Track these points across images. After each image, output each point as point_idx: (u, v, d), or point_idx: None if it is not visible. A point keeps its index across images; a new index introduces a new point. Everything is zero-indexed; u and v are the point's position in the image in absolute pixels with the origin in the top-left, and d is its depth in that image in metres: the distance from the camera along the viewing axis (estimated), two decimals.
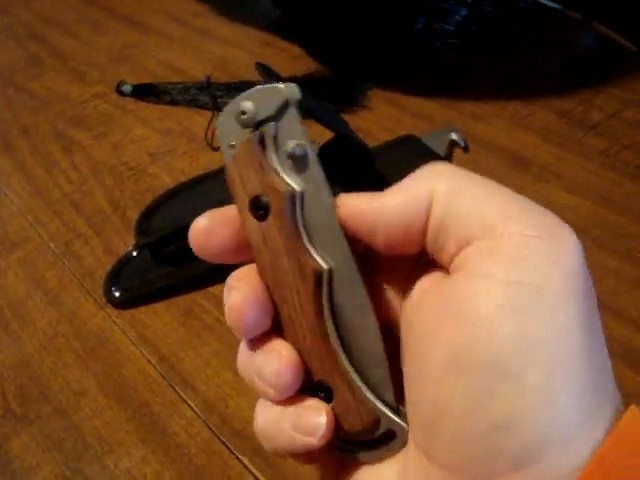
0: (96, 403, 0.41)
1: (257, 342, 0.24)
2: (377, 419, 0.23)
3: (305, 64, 0.78)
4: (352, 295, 0.23)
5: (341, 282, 0.23)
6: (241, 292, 0.23)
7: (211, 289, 0.49)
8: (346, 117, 0.63)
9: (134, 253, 0.51)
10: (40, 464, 0.38)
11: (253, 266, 0.24)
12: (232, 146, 0.24)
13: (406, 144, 0.60)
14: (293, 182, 0.23)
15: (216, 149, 0.64)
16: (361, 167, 0.52)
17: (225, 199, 0.50)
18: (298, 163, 0.23)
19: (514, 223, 0.20)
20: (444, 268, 0.22)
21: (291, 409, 0.24)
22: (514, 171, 0.61)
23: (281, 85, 0.23)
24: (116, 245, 0.53)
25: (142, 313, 0.47)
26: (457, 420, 0.19)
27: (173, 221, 0.50)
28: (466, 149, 0.61)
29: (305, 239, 0.23)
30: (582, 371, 0.19)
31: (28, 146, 0.65)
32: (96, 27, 0.91)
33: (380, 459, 0.24)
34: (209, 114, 0.69)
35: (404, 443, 0.23)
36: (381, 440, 0.24)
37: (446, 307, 0.20)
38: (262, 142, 0.23)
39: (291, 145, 0.23)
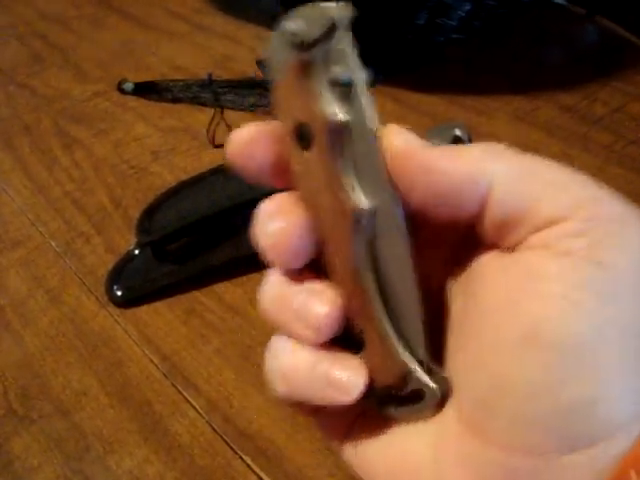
0: (98, 403, 0.41)
1: (298, 278, 0.23)
2: (406, 375, 0.22)
3: None
4: (394, 242, 0.21)
5: (383, 226, 0.21)
6: (285, 217, 0.22)
7: (213, 287, 0.49)
8: None
9: (136, 251, 0.51)
10: (41, 464, 0.38)
11: (292, 195, 0.23)
12: (280, 69, 0.22)
13: None
14: (339, 111, 0.21)
15: (218, 146, 0.64)
16: None
17: (227, 196, 0.50)
18: (345, 91, 0.21)
19: (601, 207, 0.19)
20: (500, 246, 0.21)
21: (327, 360, 0.22)
22: None
23: (332, 4, 0.21)
24: (118, 244, 0.53)
25: (144, 312, 0.47)
26: (523, 399, 0.18)
27: (175, 219, 0.49)
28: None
29: (348, 174, 0.21)
30: None
31: (29, 144, 0.65)
32: (98, 24, 0.90)
33: (407, 419, 0.23)
34: (211, 111, 0.68)
35: (435, 407, 0.22)
36: (410, 399, 0.22)
37: (524, 282, 0.19)
38: (309, 66, 0.21)
39: (338, 71, 0.21)
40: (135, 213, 0.53)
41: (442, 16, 0.66)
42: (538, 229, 0.20)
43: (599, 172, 0.59)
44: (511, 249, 0.20)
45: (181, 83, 0.72)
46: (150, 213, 0.51)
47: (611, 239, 0.19)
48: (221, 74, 0.73)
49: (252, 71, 0.56)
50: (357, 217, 0.21)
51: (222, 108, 0.69)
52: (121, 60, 0.81)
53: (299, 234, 0.22)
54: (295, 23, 0.22)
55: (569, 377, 0.18)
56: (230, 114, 0.69)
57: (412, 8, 0.65)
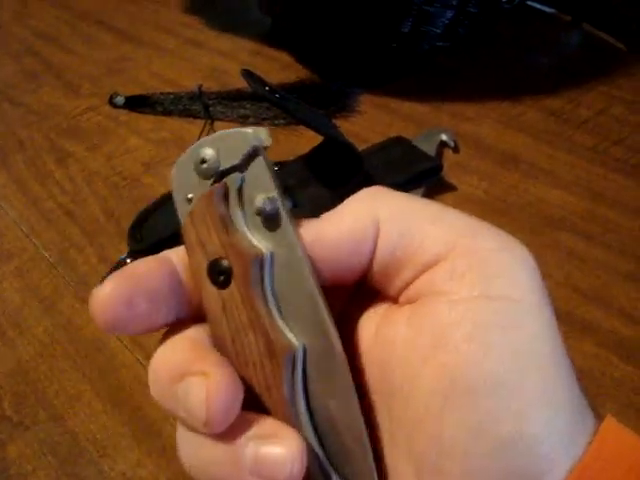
0: (91, 408, 0.42)
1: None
2: None
3: (295, 72, 0.79)
4: (331, 378, 0.19)
5: (318, 362, 0.19)
6: (207, 378, 0.19)
7: None
8: (337, 122, 0.64)
9: (128, 260, 0.51)
10: (36, 469, 0.38)
11: (202, 338, 0.21)
12: (189, 200, 0.21)
13: (396, 146, 0.61)
14: (261, 243, 0.20)
15: None
16: (350, 169, 0.52)
17: None
18: (268, 220, 0.20)
19: (477, 240, 0.20)
20: (388, 297, 0.21)
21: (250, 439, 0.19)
22: (504, 169, 0.62)
23: (248, 130, 0.20)
24: (110, 253, 0.53)
25: None
26: (465, 449, 0.18)
27: (165, 227, 0.50)
28: (456, 149, 0.62)
29: (274, 311, 0.20)
30: (569, 381, 0.19)
31: (23, 159, 0.66)
32: (89, 41, 0.92)
33: None
34: (201, 123, 0.69)
35: None
36: None
37: (427, 338, 0.19)
38: (225, 195, 0.20)
39: (259, 199, 0.20)
40: (127, 223, 0.54)
41: (426, 24, 0.67)
42: (422, 270, 0.20)
43: (584, 173, 0.60)
44: (407, 299, 0.20)
45: (171, 96, 0.73)
46: (141, 222, 0.51)
47: (495, 271, 0.19)
48: (211, 87, 0.74)
49: (241, 83, 0.57)
50: (289, 357, 0.19)
51: (212, 119, 0.70)
52: (113, 75, 0.82)
53: (227, 393, 0.19)
54: (207, 150, 0.20)
55: (501, 415, 0.18)
56: (220, 125, 0.70)
57: (396, 17, 0.67)
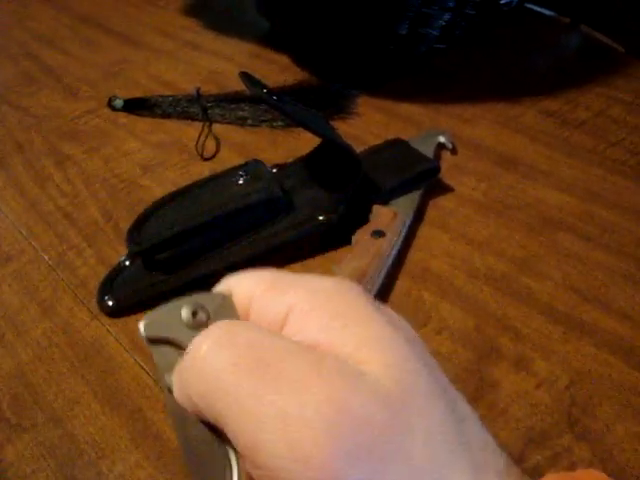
0: (90, 410, 0.42)
1: None
2: None
3: (293, 74, 0.79)
4: None
5: None
6: None
7: None
8: (335, 124, 0.64)
9: (126, 262, 0.51)
10: (35, 472, 0.38)
11: None
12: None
13: (394, 148, 0.61)
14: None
15: (207, 159, 0.65)
16: (348, 171, 0.52)
17: (214, 207, 0.51)
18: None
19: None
20: None
21: None
22: (503, 171, 0.62)
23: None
24: (109, 255, 0.53)
25: (135, 321, 0.48)
26: None
27: (164, 229, 0.50)
28: (454, 151, 0.62)
29: None
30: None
31: (22, 162, 0.66)
32: (88, 44, 0.92)
33: None
34: (200, 125, 0.70)
35: None
36: None
37: None
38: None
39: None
40: (126, 226, 0.54)
41: (423, 26, 0.67)
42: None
43: (582, 174, 0.61)
44: None
45: (170, 98, 0.74)
46: (139, 224, 0.51)
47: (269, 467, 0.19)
48: (209, 89, 0.75)
49: (239, 85, 0.57)
50: None
51: (210, 122, 0.70)
52: (111, 78, 0.82)
53: None
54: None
55: None
56: (218, 127, 0.70)
57: (394, 18, 0.67)
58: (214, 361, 0.21)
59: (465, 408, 0.22)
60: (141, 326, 0.23)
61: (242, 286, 0.24)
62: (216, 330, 0.22)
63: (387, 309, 0.24)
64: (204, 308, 0.23)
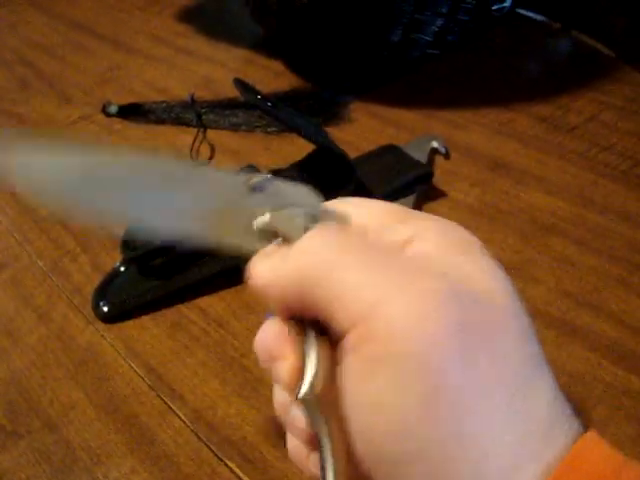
0: (85, 416, 0.42)
1: None
2: None
3: (287, 80, 0.80)
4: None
5: None
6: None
7: (197, 301, 0.50)
8: (329, 130, 0.65)
9: (121, 268, 0.51)
10: (30, 478, 0.38)
11: None
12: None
13: (387, 153, 0.61)
14: None
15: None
16: (342, 177, 0.53)
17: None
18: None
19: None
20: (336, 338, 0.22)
21: None
22: (495, 176, 0.62)
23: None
24: (104, 261, 0.54)
25: (130, 327, 0.48)
26: None
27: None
28: (447, 156, 0.62)
29: None
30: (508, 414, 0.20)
31: None
32: (82, 50, 0.92)
33: None
34: (194, 131, 0.69)
35: None
36: None
37: (356, 396, 0.21)
38: None
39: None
40: (121, 231, 0.54)
41: (416, 32, 0.68)
42: (346, 329, 0.21)
43: (574, 179, 0.61)
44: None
45: (164, 104, 0.74)
46: (134, 230, 0.51)
47: (383, 333, 0.20)
48: (203, 95, 0.75)
49: (233, 91, 0.58)
50: None
51: (205, 128, 0.70)
52: (105, 84, 0.82)
53: None
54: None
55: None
56: (213, 133, 0.70)
57: (387, 24, 0.67)
58: (323, 246, 0.22)
59: None
60: (267, 216, 0.26)
61: (361, 214, 0.25)
62: (328, 226, 0.24)
63: None
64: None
